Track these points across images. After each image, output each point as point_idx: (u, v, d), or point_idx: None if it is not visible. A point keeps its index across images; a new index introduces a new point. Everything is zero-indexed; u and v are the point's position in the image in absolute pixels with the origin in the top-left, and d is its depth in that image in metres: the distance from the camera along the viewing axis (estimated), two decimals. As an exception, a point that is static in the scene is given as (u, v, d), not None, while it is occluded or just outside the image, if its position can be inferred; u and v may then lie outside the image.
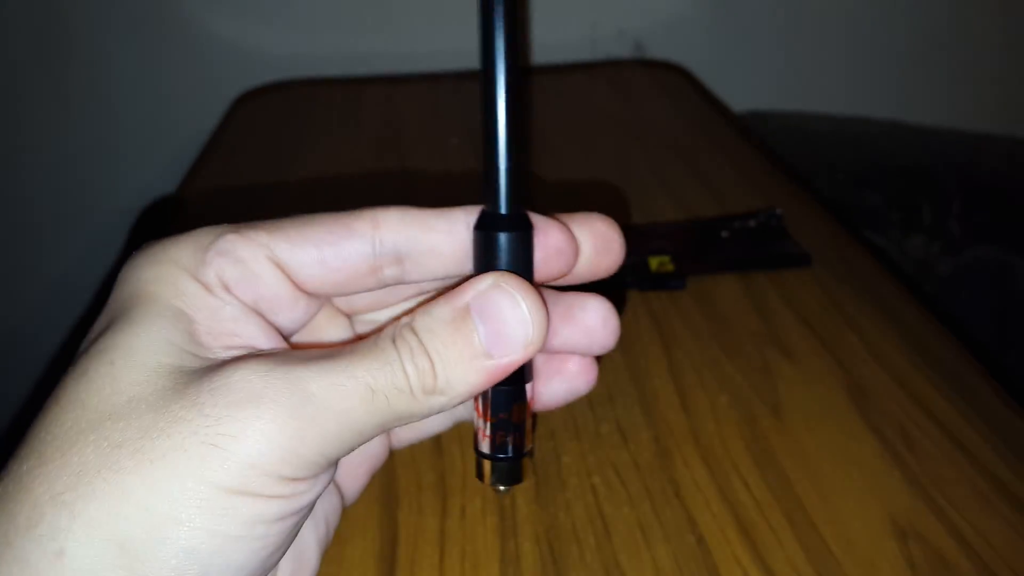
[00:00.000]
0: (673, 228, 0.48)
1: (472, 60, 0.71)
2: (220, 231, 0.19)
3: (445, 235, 0.20)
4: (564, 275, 0.21)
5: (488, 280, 0.18)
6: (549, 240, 0.20)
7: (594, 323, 0.21)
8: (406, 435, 0.24)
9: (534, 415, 0.21)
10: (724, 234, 0.47)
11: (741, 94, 0.77)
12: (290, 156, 0.61)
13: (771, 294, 0.42)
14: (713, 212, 0.50)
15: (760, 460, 0.32)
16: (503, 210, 0.19)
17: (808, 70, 0.79)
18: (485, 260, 0.19)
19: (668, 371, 0.37)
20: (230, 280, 0.19)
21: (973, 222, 0.67)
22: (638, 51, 0.75)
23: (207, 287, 0.18)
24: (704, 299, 0.42)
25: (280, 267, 0.19)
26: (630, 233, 0.47)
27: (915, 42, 0.79)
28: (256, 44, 0.74)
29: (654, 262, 0.45)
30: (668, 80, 0.71)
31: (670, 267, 0.44)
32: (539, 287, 0.19)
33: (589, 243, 0.21)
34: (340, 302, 0.22)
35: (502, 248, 0.19)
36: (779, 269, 0.44)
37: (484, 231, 0.19)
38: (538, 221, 0.20)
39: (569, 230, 0.20)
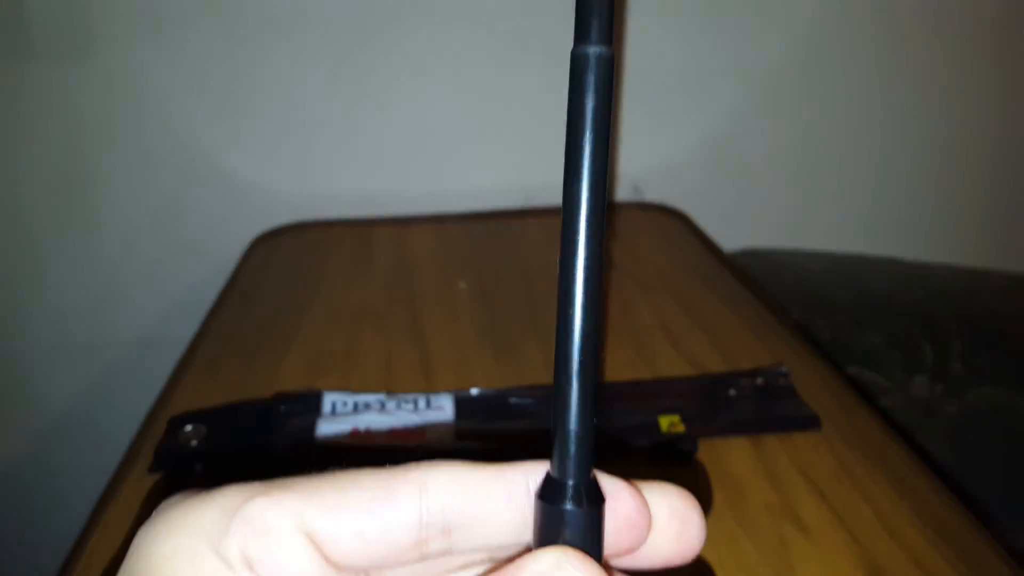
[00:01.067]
0: (681, 384, 0.49)
1: (475, 201, 0.74)
2: (248, 494, 0.17)
3: (502, 502, 0.18)
4: (631, 552, 0.19)
5: (549, 559, 0.16)
6: (619, 509, 0.18)
7: None
8: None
9: None
10: (732, 392, 0.47)
11: (738, 232, 0.80)
12: (304, 299, 0.62)
13: (782, 460, 0.42)
14: (718, 363, 0.51)
15: (782, 653, 0.31)
16: (571, 479, 0.17)
17: (803, 209, 0.82)
18: (548, 535, 0.17)
19: (684, 546, 0.37)
20: (254, 556, 0.17)
21: (975, 363, 0.68)
22: (636, 194, 0.78)
23: (228, 564, 0.17)
24: (716, 465, 0.42)
25: (311, 539, 0.17)
26: (639, 389, 0.48)
27: (907, 180, 0.82)
28: (271, 185, 0.77)
29: (664, 422, 0.45)
30: (666, 223, 0.74)
31: (681, 428, 0.45)
32: (609, 569, 0.17)
33: (663, 518, 0.19)
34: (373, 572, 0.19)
35: (569, 524, 0.17)
36: (789, 431, 0.44)
37: (549, 503, 0.17)
38: (607, 484, 0.18)
39: (642, 499, 0.18)
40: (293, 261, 0.70)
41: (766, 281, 0.75)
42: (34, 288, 0.79)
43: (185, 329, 0.66)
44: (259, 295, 0.65)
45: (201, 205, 0.77)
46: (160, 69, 0.72)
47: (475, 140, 0.78)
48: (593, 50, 0.16)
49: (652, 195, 0.79)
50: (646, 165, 0.78)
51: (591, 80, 0.16)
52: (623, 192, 0.79)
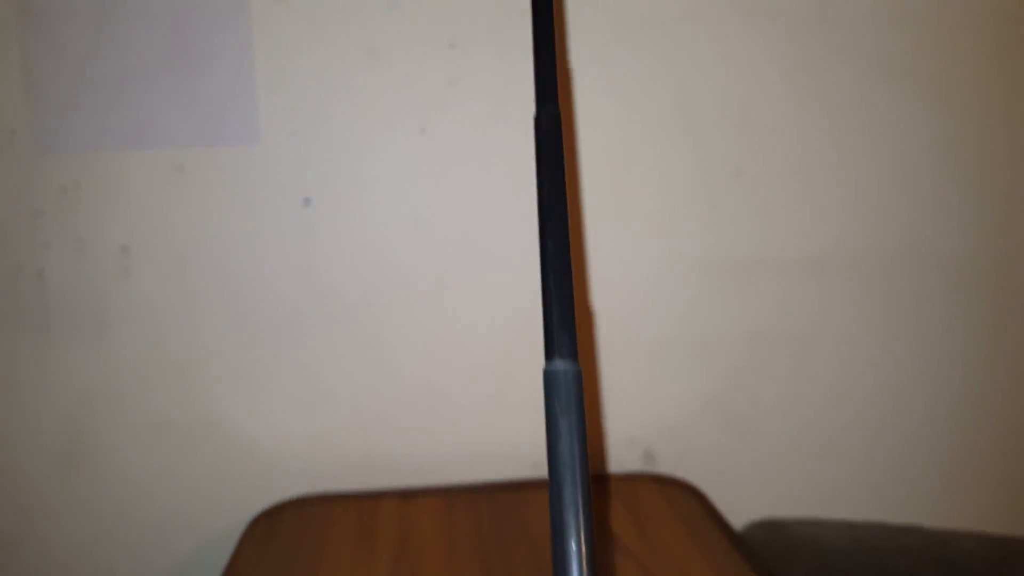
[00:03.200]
0: None
1: (483, 467, 0.72)
2: None
3: None
4: None
5: None
6: None
7: None
8: None
9: None
10: None
11: (753, 496, 0.78)
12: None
13: None
14: None
15: None
16: None
17: (820, 475, 0.80)
18: None
19: None
20: None
21: (1015, 659, 0.64)
22: (648, 462, 0.77)
23: None
24: None
25: None
26: None
27: (921, 444, 0.81)
28: (274, 453, 0.76)
29: None
30: (680, 500, 0.71)
31: None
32: None
33: None
34: None
35: None
36: None
37: None
38: None
39: None
40: (292, 546, 0.67)
41: (786, 558, 0.72)
42: (28, 559, 0.75)
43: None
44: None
45: (202, 475, 0.76)
46: (171, 345, 0.73)
47: (481, 406, 0.77)
48: (562, 366, 0.19)
49: (665, 462, 0.78)
50: (658, 430, 0.78)
51: (562, 392, 0.19)
52: (635, 461, 0.77)
